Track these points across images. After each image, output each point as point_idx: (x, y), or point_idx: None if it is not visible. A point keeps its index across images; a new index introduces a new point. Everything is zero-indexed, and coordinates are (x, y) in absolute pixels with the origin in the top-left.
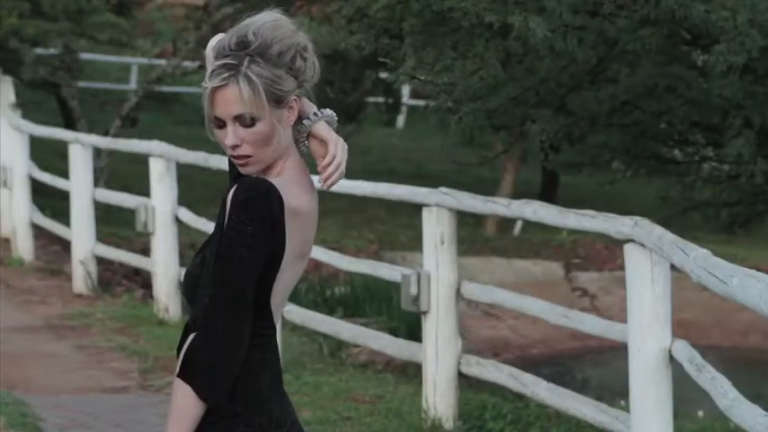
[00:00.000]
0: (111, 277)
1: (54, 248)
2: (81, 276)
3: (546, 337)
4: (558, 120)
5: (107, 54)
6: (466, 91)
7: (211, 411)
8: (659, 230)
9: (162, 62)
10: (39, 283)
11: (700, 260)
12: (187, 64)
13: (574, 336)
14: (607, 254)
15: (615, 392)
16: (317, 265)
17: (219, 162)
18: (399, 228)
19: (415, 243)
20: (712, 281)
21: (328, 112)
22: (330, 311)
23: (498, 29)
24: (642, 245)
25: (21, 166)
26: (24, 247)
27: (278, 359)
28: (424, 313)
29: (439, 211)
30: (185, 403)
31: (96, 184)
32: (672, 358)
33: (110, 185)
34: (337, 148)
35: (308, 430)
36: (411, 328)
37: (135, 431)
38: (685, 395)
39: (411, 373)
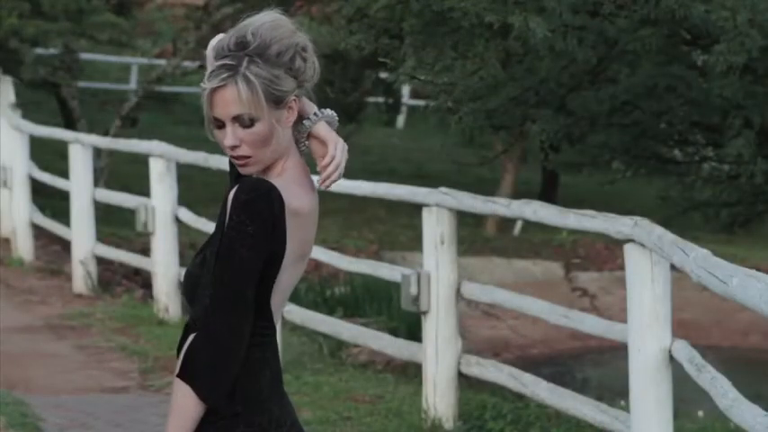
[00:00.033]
0: (111, 277)
1: (54, 248)
2: (81, 276)
3: (546, 337)
4: (558, 120)
5: (107, 54)
6: (466, 91)
7: (211, 411)
8: (659, 230)
9: (162, 62)
10: (39, 283)
11: (700, 260)
12: (187, 64)
13: (574, 336)
14: (607, 254)
15: (615, 392)
16: (317, 265)
17: (219, 162)
18: (399, 228)
19: (415, 243)
20: (712, 281)
21: (329, 112)
22: (330, 311)
23: (498, 29)
24: (642, 245)
25: (21, 166)
26: (24, 247)
27: (278, 359)
28: (424, 313)
29: (439, 211)
30: (185, 403)
31: (96, 184)
32: (672, 358)
33: (110, 185)
34: (337, 149)
35: (308, 430)
36: (411, 328)
37: (135, 431)
38: (685, 395)
39: (411, 373)
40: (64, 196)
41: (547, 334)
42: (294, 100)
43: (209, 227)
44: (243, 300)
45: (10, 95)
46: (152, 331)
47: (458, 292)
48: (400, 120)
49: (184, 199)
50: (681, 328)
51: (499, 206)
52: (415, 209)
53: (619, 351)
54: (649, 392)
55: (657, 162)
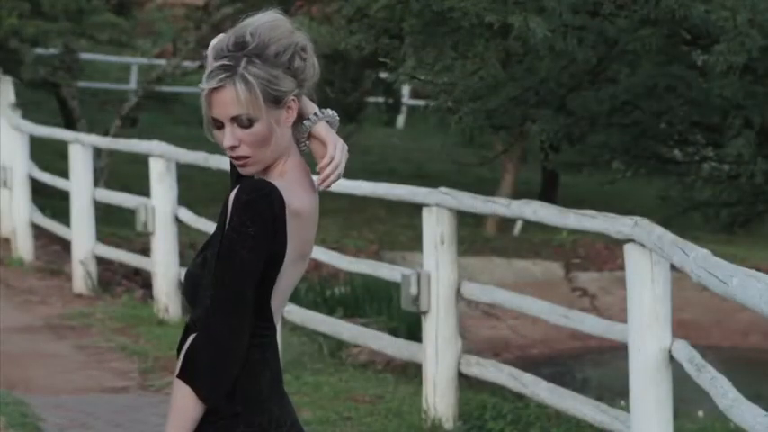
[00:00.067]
0: (111, 277)
1: (54, 248)
2: (81, 276)
3: (546, 337)
4: (558, 120)
5: (107, 54)
6: (466, 91)
7: (211, 411)
8: (659, 230)
9: (162, 62)
10: (39, 283)
11: (700, 260)
12: (187, 64)
13: (574, 336)
14: (607, 254)
15: (615, 392)
16: (317, 265)
17: (219, 162)
18: (399, 228)
19: (415, 243)
20: (712, 281)
21: (329, 112)
22: (330, 311)
23: (498, 29)
24: (642, 245)
25: (21, 166)
26: (24, 247)
27: (278, 359)
28: (424, 313)
29: (439, 211)
30: (185, 404)
31: (96, 184)
32: (672, 358)
33: (110, 185)
34: (336, 149)
35: (308, 430)
36: (411, 328)
37: (135, 431)
38: (685, 395)
39: (411, 373)
40: (64, 196)
41: (547, 334)
42: (293, 100)
43: (209, 227)
44: (243, 300)
45: (10, 95)
46: (152, 331)
47: (458, 292)
48: (400, 120)
49: (184, 199)
50: (681, 328)
51: (499, 206)
52: (415, 209)
53: (619, 351)
54: (649, 392)
55: (657, 162)
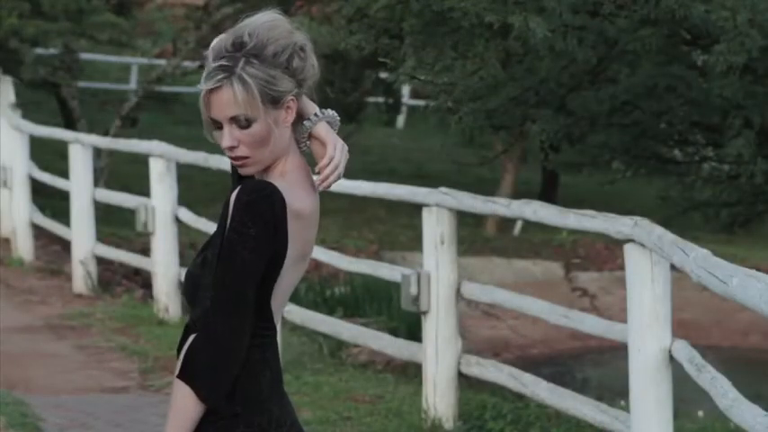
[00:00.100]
0: (111, 277)
1: (54, 248)
2: (81, 276)
3: (546, 337)
4: (558, 120)
5: (107, 54)
6: (466, 91)
7: (211, 411)
8: (659, 230)
9: (162, 62)
10: (39, 283)
11: (700, 260)
12: (187, 64)
13: (574, 336)
14: (607, 254)
15: (615, 392)
16: (317, 265)
17: (219, 162)
18: (399, 228)
19: (415, 243)
20: (712, 281)
21: (330, 112)
22: (330, 311)
23: (498, 29)
24: (642, 245)
25: (21, 166)
26: (24, 247)
27: (278, 359)
28: (424, 313)
29: (439, 211)
30: (185, 404)
31: (96, 184)
32: (672, 358)
33: (110, 185)
34: (336, 150)
35: (308, 430)
36: (411, 328)
37: (135, 431)
38: (685, 395)
39: (411, 373)
40: (64, 196)
41: (547, 334)
42: (292, 100)
43: (209, 227)
44: (244, 301)
45: (10, 95)
46: (152, 331)
47: (458, 292)
48: (400, 120)
49: (184, 199)
50: (681, 328)
51: (499, 206)
52: (415, 209)
53: (619, 351)
54: (649, 392)
55: (657, 162)
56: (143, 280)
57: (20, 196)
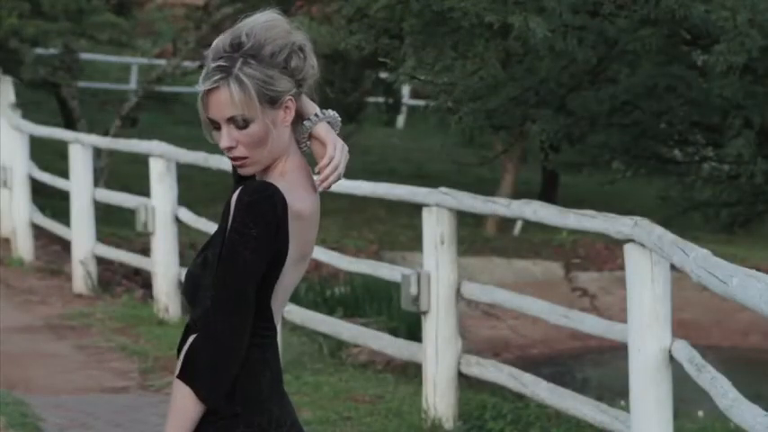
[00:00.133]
0: (111, 277)
1: (54, 248)
2: (81, 276)
3: (546, 337)
4: (558, 120)
5: (107, 54)
6: (466, 91)
7: (211, 411)
8: (659, 230)
9: (162, 62)
10: (39, 283)
11: (700, 260)
12: (187, 64)
13: (574, 336)
14: (607, 254)
15: (615, 392)
16: (317, 265)
17: (219, 162)
18: (399, 228)
19: (415, 243)
20: (712, 281)
21: (331, 113)
22: (330, 311)
23: (498, 29)
24: (642, 245)
25: (21, 166)
26: (24, 247)
27: (278, 359)
28: (424, 313)
29: (439, 211)
30: (184, 404)
31: (96, 184)
32: (672, 358)
33: (110, 185)
34: (336, 150)
35: (308, 430)
36: (411, 328)
37: (135, 431)
38: (685, 395)
39: (411, 373)
40: (64, 196)
41: (547, 334)
42: (290, 99)
43: (209, 227)
44: (245, 301)
45: (10, 95)
46: (152, 331)
47: (458, 292)
48: (400, 120)
49: (184, 199)
50: (681, 328)
51: (499, 206)
52: (415, 209)
53: (619, 351)
54: (649, 392)
55: (657, 162)
56: (143, 280)
57: (20, 196)
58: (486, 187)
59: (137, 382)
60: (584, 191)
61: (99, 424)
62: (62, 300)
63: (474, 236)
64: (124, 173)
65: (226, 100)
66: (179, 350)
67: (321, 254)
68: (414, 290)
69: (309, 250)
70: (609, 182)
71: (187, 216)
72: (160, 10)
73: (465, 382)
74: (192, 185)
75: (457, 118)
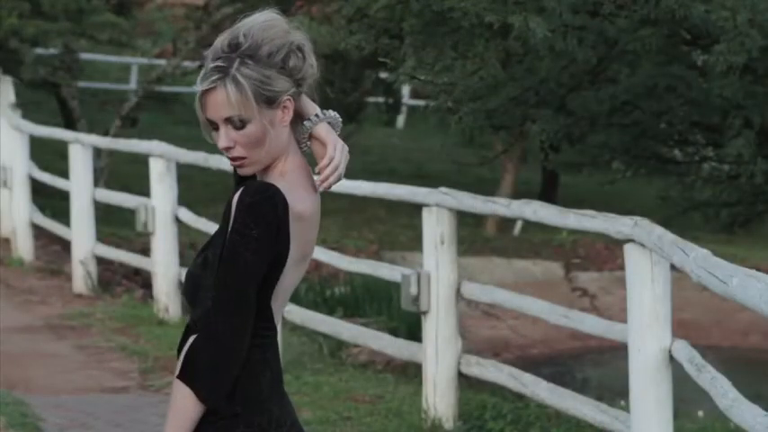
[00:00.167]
0: (111, 277)
1: (54, 248)
2: (81, 276)
3: (546, 337)
4: (558, 120)
5: (107, 54)
6: (466, 91)
7: (211, 411)
8: (659, 230)
9: (162, 62)
10: (39, 283)
11: (700, 260)
12: (187, 64)
13: (574, 336)
14: (607, 254)
15: (615, 392)
16: (317, 265)
17: (219, 162)
18: (399, 228)
19: (415, 243)
20: (712, 281)
21: (332, 113)
22: (330, 311)
23: (498, 29)
24: (642, 245)
25: (21, 166)
26: (24, 247)
27: (278, 360)
28: (424, 313)
29: (439, 211)
30: (184, 404)
31: (96, 184)
32: (672, 358)
33: (110, 185)
34: (336, 150)
35: (308, 430)
36: (411, 328)
37: (135, 431)
38: (685, 395)
39: (411, 373)
40: (64, 196)
41: (547, 334)
42: (288, 99)
43: (209, 227)
44: (245, 302)
45: (10, 95)
46: (152, 331)
47: (458, 292)
48: (400, 120)
49: (184, 199)
50: (681, 328)
51: (499, 206)
52: (415, 209)
53: (619, 351)
54: (649, 392)
55: (657, 162)
56: (143, 280)
57: (20, 196)
58: (486, 187)
59: (137, 382)
60: (584, 191)
61: (99, 424)
62: (62, 300)
63: (474, 236)
64: (124, 173)
65: (222, 100)
66: (179, 350)
67: (321, 254)
68: (414, 290)
69: (310, 250)
70: (609, 182)
71: (187, 216)
72: (160, 10)
73: (465, 382)
74: (192, 185)
75: (457, 118)
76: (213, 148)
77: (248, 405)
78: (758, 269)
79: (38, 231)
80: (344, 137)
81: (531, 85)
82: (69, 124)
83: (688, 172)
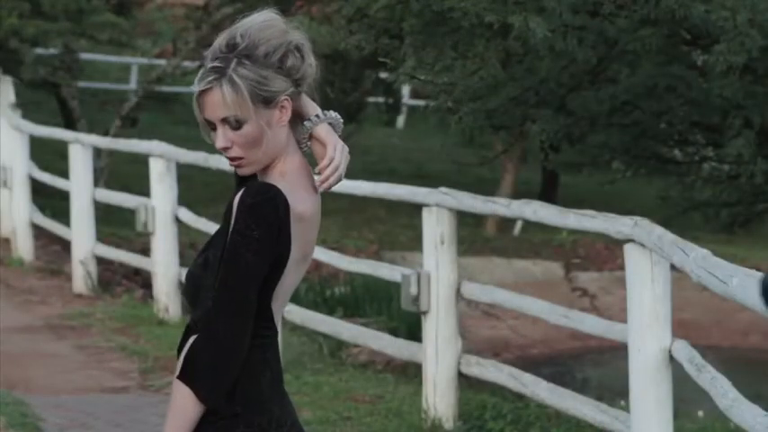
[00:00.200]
0: (111, 277)
1: (54, 248)
2: (81, 276)
3: (546, 337)
4: (558, 120)
5: (107, 54)
6: (466, 91)
7: (211, 411)
8: (659, 230)
9: (162, 62)
10: (39, 283)
11: (700, 260)
12: (187, 64)
13: (574, 336)
14: (607, 254)
15: (615, 392)
16: (317, 265)
17: (219, 162)
18: (399, 228)
19: (415, 243)
20: (712, 281)
21: (332, 114)
22: (330, 311)
23: (498, 29)
24: (642, 245)
25: (21, 166)
26: (24, 247)
27: (278, 360)
28: (424, 313)
29: (439, 211)
30: (184, 404)
31: (96, 184)
32: (672, 358)
33: (110, 185)
34: (336, 151)
35: (308, 430)
36: (411, 328)
37: (135, 431)
38: (685, 395)
39: (411, 373)
40: (64, 196)
41: (547, 334)
42: (286, 99)
43: (209, 227)
44: (246, 303)
45: (10, 95)
46: (152, 331)
47: (458, 292)
48: (400, 120)
49: (184, 199)
50: (681, 328)
51: (499, 206)
52: (415, 209)
53: (619, 351)
54: (649, 392)
55: (657, 162)
56: (143, 280)
57: (20, 196)
58: (486, 187)
59: (137, 382)
60: (584, 191)
61: (99, 424)
62: (62, 300)
63: (474, 236)
64: (124, 173)
65: (219, 101)
66: (179, 350)
67: (321, 254)
68: (414, 290)
69: (310, 251)
70: (609, 182)
71: (187, 216)
72: (160, 10)
73: (465, 382)
74: (192, 185)
75: (457, 118)
76: (213, 148)
77: (248, 405)
78: (758, 269)
79: (38, 231)
80: (344, 137)
81: (531, 85)
82: (69, 124)
83: (688, 172)
